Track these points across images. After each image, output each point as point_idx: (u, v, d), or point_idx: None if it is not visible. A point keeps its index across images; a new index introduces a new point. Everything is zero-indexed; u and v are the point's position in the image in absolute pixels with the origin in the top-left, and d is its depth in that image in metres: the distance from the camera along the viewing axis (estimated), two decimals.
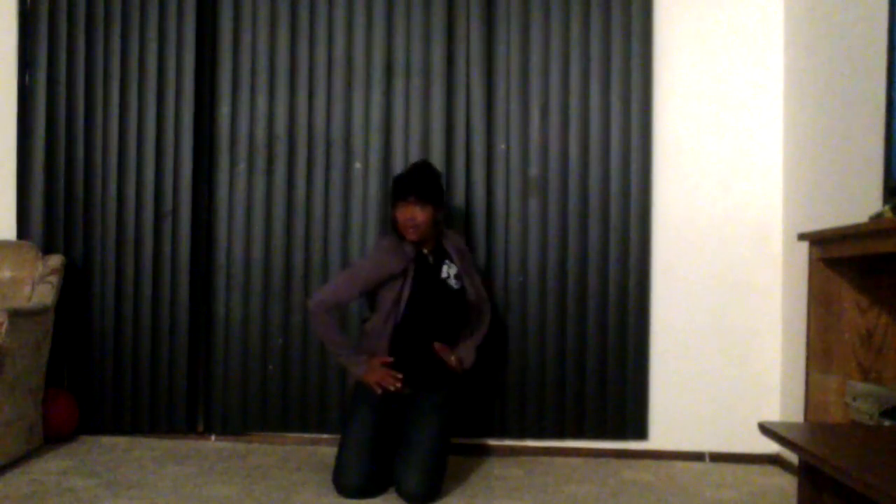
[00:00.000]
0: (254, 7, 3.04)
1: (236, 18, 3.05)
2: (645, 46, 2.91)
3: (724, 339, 2.91)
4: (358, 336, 2.70)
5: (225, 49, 3.06)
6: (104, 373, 3.02)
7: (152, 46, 3.04)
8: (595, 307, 2.91)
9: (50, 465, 2.59)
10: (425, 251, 2.55)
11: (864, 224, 1.67)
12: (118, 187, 3.04)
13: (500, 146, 2.97)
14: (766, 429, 1.60)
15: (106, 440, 2.97)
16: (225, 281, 3.04)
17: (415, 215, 2.45)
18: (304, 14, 3.03)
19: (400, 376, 2.40)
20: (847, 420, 1.88)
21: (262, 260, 3.03)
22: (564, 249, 2.93)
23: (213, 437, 3.05)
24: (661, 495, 2.42)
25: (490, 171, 2.97)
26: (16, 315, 2.53)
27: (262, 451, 2.90)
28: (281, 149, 3.04)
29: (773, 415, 2.88)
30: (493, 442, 2.96)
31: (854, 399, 1.85)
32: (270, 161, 3.04)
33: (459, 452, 2.89)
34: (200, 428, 3.07)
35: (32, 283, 2.85)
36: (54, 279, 2.84)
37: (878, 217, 1.72)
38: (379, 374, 2.41)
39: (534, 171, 2.95)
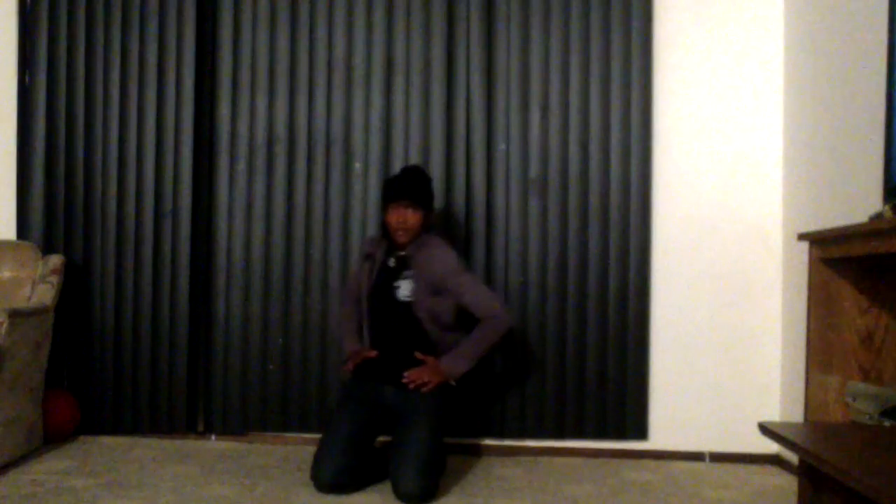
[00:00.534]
0: (254, 7, 3.04)
1: (236, 19, 3.05)
2: (645, 46, 2.91)
3: (724, 339, 2.91)
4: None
5: (225, 49, 3.06)
6: (104, 373, 3.02)
7: (152, 46, 3.04)
8: (595, 307, 2.91)
9: (50, 465, 2.59)
10: (396, 252, 2.59)
11: (864, 224, 1.67)
12: (118, 187, 3.04)
13: (500, 146, 2.97)
14: (766, 429, 1.60)
15: (106, 440, 2.97)
16: (225, 281, 3.04)
17: (406, 218, 2.52)
18: (304, 14, 3.03)
19: (369, 355, 2.55)
20: (847, 420, 1.88)
21: (262, 260, 3.03)
22: (564, 249, 2.93)
23: (213, 437, 3.05)
24: (661, 495, 2.42)
25: (490, 172, 2.97)
26: (16, 315, 2.53)
27: (262, 451, 2.90)
28: (281, 149, 3.04)
29: (773, 415, 2.88)
30: (493, 442, 2.96)
31: (854, 399, 1.85)
32: (270, 161, 3.04)
33: (459, 452, 2.89)
34: (200, 428, 3.07)
35: (32, 283, 2.85)
36: (54, 279, 2.84)
37: (878, 217, 1.72)
38: (351, 355, 2.61)
39: (534, 171, 2.95)
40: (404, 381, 2.44)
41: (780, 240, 2.91)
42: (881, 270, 1.89)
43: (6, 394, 2.53)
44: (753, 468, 2.80)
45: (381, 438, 2.61)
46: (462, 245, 2.94)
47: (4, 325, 2.47)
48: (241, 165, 3.05)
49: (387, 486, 2.39)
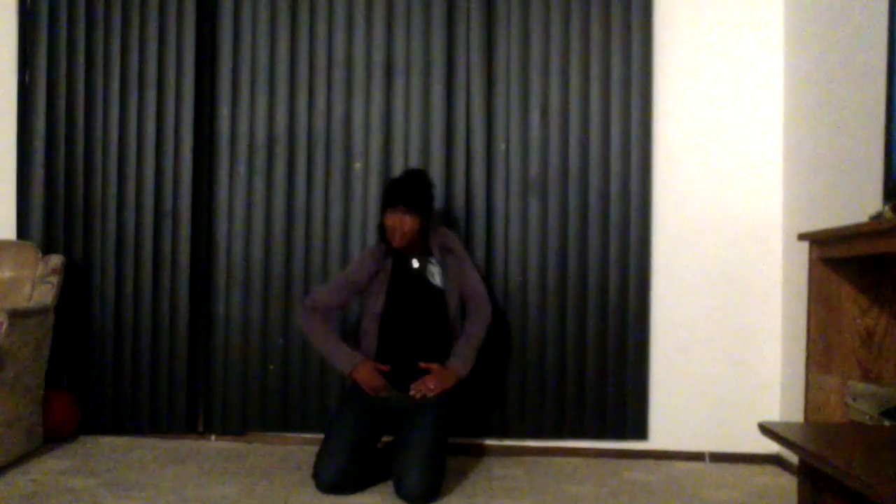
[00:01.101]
0: (254, 7, 3.04)
1: (236, 18, 3.05)
2: (645, 46, 2.91)
3: (724, 339, 2.91)
4: (355, 340, 2.71)
5: (225, 49, 3.06)
6: (104, 373, 3.02)
7: (152, 46, 3.04)
8: (595, 307, 2.91)
9: (50, 465, 2.59)
10: (410, 254, 2.61)
11: (864, 224, 1.67)
12: (118, 187, 3.04)
13: (500, 146, 2.97)
14: (766, 429, 1.60)
15: (106, 440, 2.97)
16: (225, 281, 3.04)
17: (402, 223, 2.52)
18: (304, 14, 3.03)
19: (383, 383, 2.47)
20: (847, 420, 1.88)
21: (262, 260, 3.03)
22: (564, 249, 2.93)
23: (213, 437, 3.05)
24: (661, 495, 2.42)
25: (490, 172, 2.97)
26: (16, 315, 2.53)
27: (262, 451, 2.90)
28: (281, 149, 3.04)
29: (773, 415, 2.88)
30: (493, 442, 2.96)
31: (854, 399, 1.85)
32: (270, 161, 3.04)
33: (460, 452, 2.89)
34: (200, 428, 3.07)
35: (32, 283, 2.85)
36: (54, 279, 2.84)
37: (878, 217, 1.72)
38: (364, 375, 2.47)
39: (534, 171, 2.95)
40: (412, 392, 2.44)
41: (780, 240, 2.91)
42: (881, 270, 1.89)
43: (6, 394, 2.53)
44: (753, 468, 2.80)
45: (385, 438, 2.61)
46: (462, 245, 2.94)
47: (4, 325, 2.47)
48: (241, 166, 3.05)
49: (388, 486, 2.39)
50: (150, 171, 3.04)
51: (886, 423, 1.71)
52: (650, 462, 2.86)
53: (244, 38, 3.05)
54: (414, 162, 2.98)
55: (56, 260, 2.89)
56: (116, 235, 3.04)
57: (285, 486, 2.42)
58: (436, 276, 2.59)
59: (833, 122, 2.50)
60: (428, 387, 2.43)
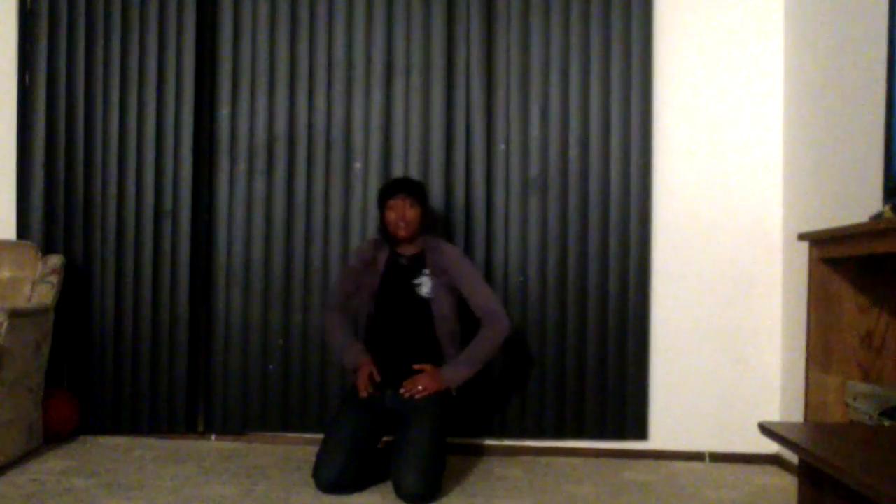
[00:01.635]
0: (254, 7, 3.04)
1: (236, 19, 3.05)
2: (645, 46, 2.91)
3: (725, 339, 2.91)
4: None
5: (225, 49, 3.06)
6: (104, 373, 3.02)
7: (152, 46, 3.04)
8: (595, 307, 2.91)
9: (50, 465, 2.59)
10: (401, 254, 2.62)
11: (864, 224, 1.67)
12: (118, 187, 3.04)
13: (500, 146, 2.97)
14: (766, 429, 1.60)
15: (106, 440, 2.97)
16: (225, 281, 3.04)
17: (405, 212, 2.56)
18: (304, 14, 3.03)
19: (366, 387, 2.46)
20: (847, 420, 1.88)
21: (262, 260, 3.03)
22: (564, 249, 2.93)
23: (213, 437, 3.05)
24: (661, 495, 2.42)
25: (490, 171, 2.97)
26: (16, 315, 2.53)
27: (262, 451, 2.90)
28: (281, 149, 3.04)
29: (773, 415, 2.88)
30: (493, 442, 2.96)
31: (854, 399, 1.85)
32: (270, 161, 3.04)
33: (459, 452, 2.89)
34: (200, 428, 3.07)
35: (32, 283, 2.85)
36: (54, 279, 2.84)
37: (878, 217, 1.72)
38: (357, 377, 2.50)
39: (534, 171, 2.95)
40: (402, 391, 2.44)
41: (780, 240, 2.91)
42: (881, 270, 1.89)
43: (6, 394, 2.53)
44: (753, 468, 2.80)
45: (386, 438, 2.61)
46: (462, 245, 2.94)
47: (4, 325, 2.47)
48: (241, 165, 3.05)
49: (387, 486, 2.39)
50: (150, 171, 3.04)
51: (886, 423, 1.71)
52: (650, 462, 2.86)
53: (244, 38, 3.05)
54: (414, 162, 2.98)
55: (56, 260, 2.89)
56: (116, 235, 3.04)
57: (285, 486, 2.42)
58: (423, 286, 2.57)
59: (833, 122, 2.50)
60: (417, 387, 2.42)
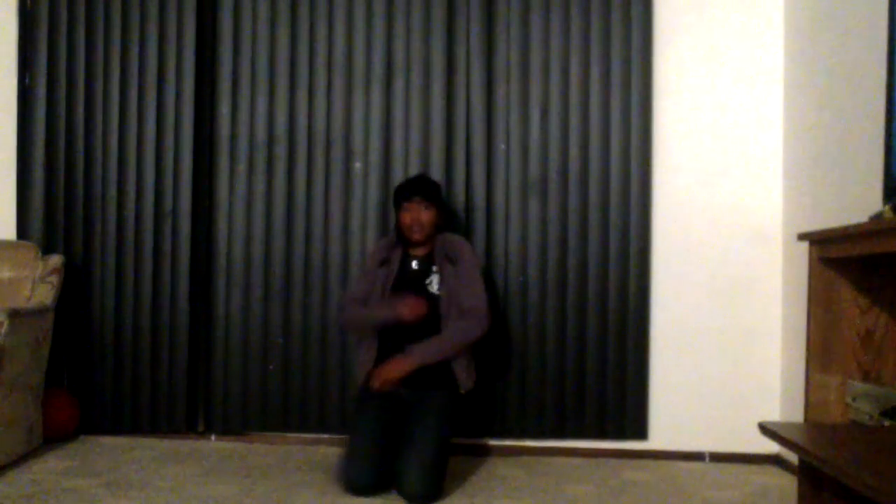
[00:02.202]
0: (254, 7, 3.04)
1: (236, 19, 3.05)
2: (645, 46, 2.91)
3: (725, 339, 2.91)
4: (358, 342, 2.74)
5: (225, 49, 3.06)
6: (104, 373, 3.02)
7: (152, 46, 3.04)
8: (595, 307, 2.91)
9: (50, 465, 2.59)
10: (413, 254, 2.63)
11: (864, 224, 1.67)
12: (118, 187, 3.04)
13: (500, 146, 2.97)
14: (766, 429, 1.60)
15: (106, 440, 2.97)
16: (225, 281, 3.04)
17: (420, 215, 2.57)
18: (304, 14, 3.03)
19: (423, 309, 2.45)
20: (847, 420, 1.88)
21: (262, 260, 3.03)
22: (564, 249, 2.93)
23: (213, 437, 3.05)
24: (661, 495, 2.42)
25: (490, 172, 2.97)
26: (16, 315, 2.53)
27: (262, 451, 2.90)
28: (281, 149, 3.04)
29: (773, 415, 2.88)
30: (493, 442, 2.96)
31: (854, 399, 1.85)
32: (270, 161, 3.04)
33: (460, 452, 2.88)
34: (200, 428, 3.07)
35: (32, 283, 2.85)
36: (54, 279, 2.84)
37: (878, 217, 1.72)
38: (406, 306, 2.46)
39: (534, 171, 2.95)
40: (371, 384, 2.43)
41: (780, 240, 2.91)
42: (881, 270, 1.89)
43: (6, 394, 2.53)
44: (753, 468, 2.80)
45: None
46: None
47: (4, 325, 2.47)
48: (241, 165, 3.05)
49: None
50: (150, 171, 3.04)
51: (886, 423, 1.71)
52: (650, 462, 2.86)
53: (244, 38, 3.05)
54: (414, 161, 2.98)
55: (56, 260, 2.89)
56: (116, 235, 3.04)
57: (285, 486, 2.42)
58: (434, 283, 2.58)
59: (833, 121, 2.50)
60: (380, 376, 2.42)
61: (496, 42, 2.97)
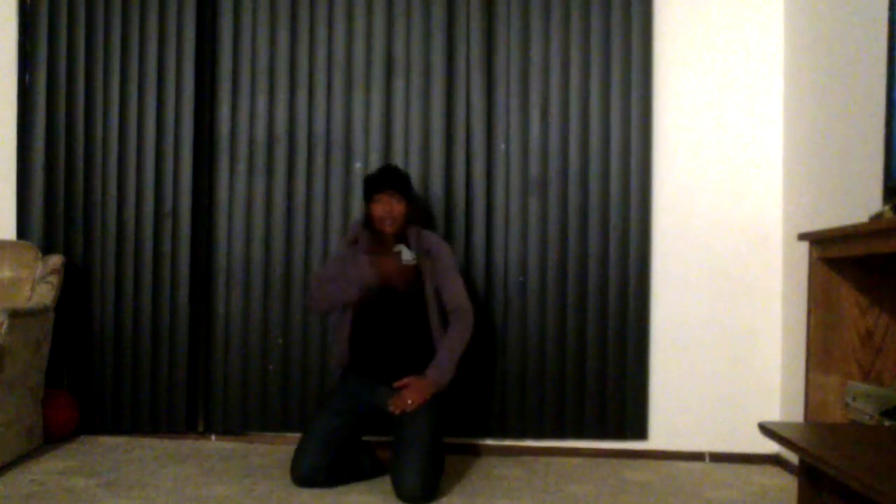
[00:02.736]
0: (254, 7, 3.04)
1: (236, 19, 3.05)
2: (645, 46, 2.91)
3: (725, 340, 2.91)
4: (332, 332, 2.76)
5: (225, 49, 3.06)
6: (104, 373, 3.02)
7: (152, 46, 3.04)
8: (595, 307, 2.91)
9: (50, 465, 2.59)
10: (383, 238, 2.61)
11: (864, 224, 1.67)
12: (118, 187, 3.04)
13: (500, 146, 2.97)
14: (766, 429, 1.60)
15: (106, 440, 2.97)
16: (225, 281, 3.04)
17: (392, 207, 2.57)
18: (304, 14, 3.03)
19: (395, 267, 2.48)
20: (847, 420, 1.88)
21: (262, 260, 3.03)
22: (564, 249, 2.93)
23: (213, 437, 3.05)
24: (661, 495, 2.42)
25: (490, 171, 2.97)
26: (16, 315, 2.53)
27: (262, 451, 2.90)
28: (281, 149, 3.04)
29: (773, 415, 2.88)
30: (493, 442, 2.96)
31: (854, 399, 1.85)
32: (270, 161, 3.04)
33: (460, 452, 2.89)
34: (200, 428, 3.07)
35: (32, 283, 2.85)
36: (54, 279, 2.84)
37: (878, 217, 1.72)
38: (382, 266, 2.49)
39: (534, 171, 2.95)
40: (390, 409, 2.39)
41: (780, 240, 2.91)
42: (881, 270, 1.89)
43: (6, 394, 2.53)
44: (753, 468, 2.80)
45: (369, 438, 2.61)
46: (462, 245, 2.94)
47: (4, 325, 2.47)
48: (241, 165, 3.05)
49: (387, 486, 2.39)
50: (150, 171, 3.04)
51: (886, 423, 1.71)
52: (650, 462, 2.86)
53: (244, 38, 3.05)
54: (414, 162, 2.98)
55: (56, 260, 2.89)
56: (116, 235, 3.04)
57: (285, 486, 2.42)
58: (403, 252, 2.57)
59: (833, 121, 2.50)
60: (406, 402, 2.39)
61: (496, 42, 2.97)
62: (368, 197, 2.61)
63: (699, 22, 2.95)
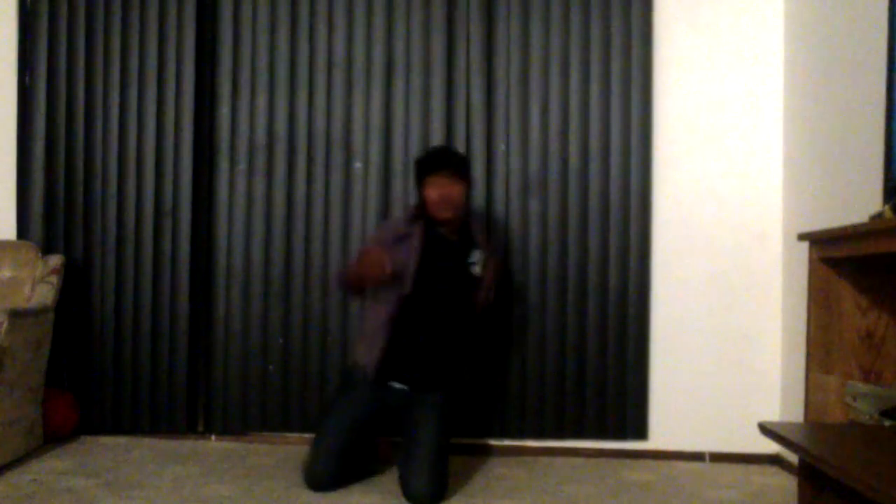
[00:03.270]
0: (254, 7, 3.04)
1: (236, 19, 3.05)
2: (645, 46, 2.91)
3: (725, 339, 2.91)
4: (359, 322, 2.71)
5: (225, 49, 3.06)
6: (104, 373, 3.02)
7: (152, 46, 3.04)
8: (595, 307, 2.91)
9: (50, 465, 2.59)
10: (444, 234, 2.47)
11: (864, 224, 1.67)
12: (118, 187, 3.04)
13: (500, 146, 2.97)
14: (766, 429, 1.60)
15: (106, 440, 2.97)
16: (225, 281, 3.04)
17: (451, 190, 2.35)
18: (304, 14, 3.03)
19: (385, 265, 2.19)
20: (847, 420, 1.88)
21: (262, 260, 3.03)
22: (564, 249, 2.93)
23: (213, 437, 3.05)
24: (661, 495, 2.42)
25: (490, 171, 2.97)
26: (16, 315, 2.53)
27: (262, 451, 2.90)
28: (281, 149, 3.04)
29: (773, 415, 2.88)
30: (493, 442, 2.96)
31: (854, 399, 1.85)
32: (270, 161, 3.04)
33: (460, 452, 2.89)
34: (200, 428, 3.07)
35: (32, 283, 2.85)
36: (54, 279, 2.84)
37: (878, 217, 1.72)
38: (366, 262, 2.22)
39: (534, 171, 2.95)
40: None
41: (780, 240, 2.91)
42: (881, 270, 1.89)
43: (6, 394, 2.53)
44: (753, 468, 2.80)
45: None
46: None
47: (4, 325, 2.47)
48: (241, 165, 3.05)
49: (386, 486, 2.39)
50: (150, 171, 3.04)
51: (886, 423, 1.71)
52: (650, 462, 2.86)
53: (244, 38, 3.05)
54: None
55: (56, 260, 2.89)
56: (116, 235, 3.04)
57: (285, 486, 2.42)
58: (477, 264, 2.45)
59: (833, 121, 2.50)
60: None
61: (496, 42, 2.97)
62: (420, 180, 2.38)
63: (699, 21, 2.95)
